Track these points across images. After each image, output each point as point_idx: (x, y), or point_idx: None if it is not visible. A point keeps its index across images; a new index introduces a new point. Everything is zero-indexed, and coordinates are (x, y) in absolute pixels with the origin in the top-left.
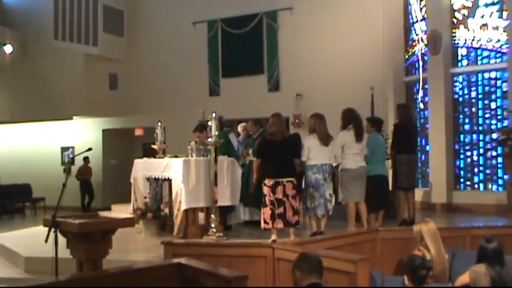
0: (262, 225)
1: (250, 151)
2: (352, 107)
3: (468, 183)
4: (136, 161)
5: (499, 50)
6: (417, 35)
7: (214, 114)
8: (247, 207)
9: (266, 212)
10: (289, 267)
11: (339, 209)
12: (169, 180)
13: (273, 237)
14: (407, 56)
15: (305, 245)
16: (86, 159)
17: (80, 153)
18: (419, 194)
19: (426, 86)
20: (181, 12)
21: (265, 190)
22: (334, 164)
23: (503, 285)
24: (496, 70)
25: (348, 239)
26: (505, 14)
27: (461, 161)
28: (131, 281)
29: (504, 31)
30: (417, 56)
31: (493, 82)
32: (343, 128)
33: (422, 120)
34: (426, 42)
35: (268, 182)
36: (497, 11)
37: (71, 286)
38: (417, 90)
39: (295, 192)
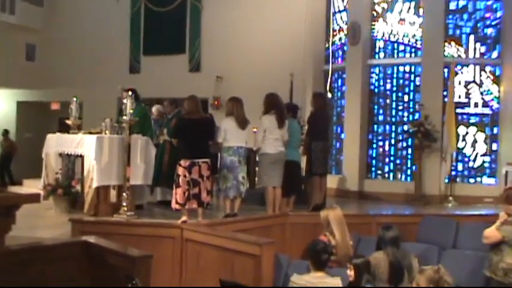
0: (174, 205)
1: (165, 131)
2: (274, 92)
3: (379, 172)
4: (49, 136)
5: (414, 45)
6: (338, 25)
7: (130, 93)
8: (161, 187)
9: (179, 193)
10: (198, 248)
11: (255, 193)
12: (82, 157)
13: (184, 218)
14: (327, 45)
15: (215, 227)
16: (6, 132)
17: None
18: (333, 180)
19: (344, 76)
20: None
21: (180, 170)
22: (254, 148)
23: (400, 268)
24: (411, 64)
25: (258, 223)
26: (421, 10)
27: (374, 151)
28: (34, 258)
29: (420, 27)
30: (337, 45)
31: (407, 76)
32: (265, 112)
33: (339, 109)
34: (346, 32)
35: (184, 162)
36: (414, 7)
37: None
38: (336, 79)
39: (209, 173)
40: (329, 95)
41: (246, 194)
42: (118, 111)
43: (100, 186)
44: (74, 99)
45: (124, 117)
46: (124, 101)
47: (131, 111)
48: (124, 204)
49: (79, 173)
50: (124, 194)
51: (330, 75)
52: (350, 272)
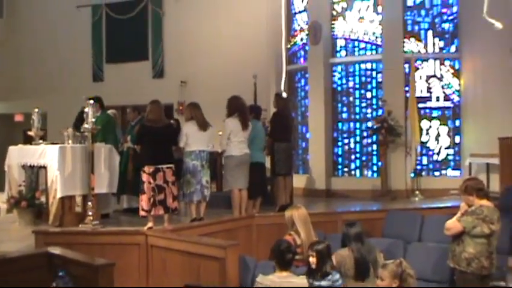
0: (140, 212)
1: (129, 138)
2: (237, 94)
3: (345, 169)
4: (11, 148)
5: (374, 42)
6: (299, 25)
7: (91, 101)
8: (126, 195)
9: (144, 199)
10: (163, 254)
11: (223, 196)
12: (45, 168)
13: (150, 224)
14: (289, 45)
15: (181, 232)
16: None
17: None
18: (301, 180)
19: (307, 75)
20: None
21: (145, 177)
22: (219, 151)
23: (365, 263)
24: (372, 61)
25: (224, 225)
26: (379, 8)
27: (339, 149)
28: None
29: (379, 24)
30: (299, 45)
31: (368, 73)
32: (228, 115)
33: (303, 109)
34: (307, 32)
35: (148, 168)
36: (372, 5)
37: None
38: (299, 79)
39: (174, 178)
40: (284, 94)
41: (213, 197)
42: (75, 120)
43: (65, 197)
44: (36, 109)
45: (86, 126)
46: (86, 109)
47: (94, 119)
48: (90, 213)
49: (42, 184)
50: (89, 203)
51: (284, 76)
52: (312, 259)
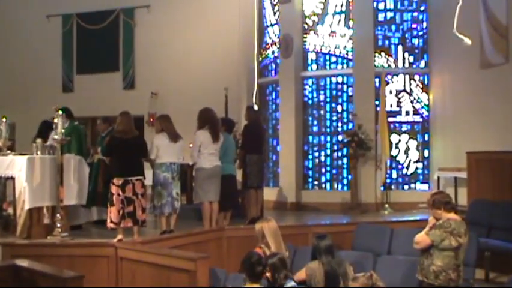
0: (108, 224)
1: (99, 149)
2: (208, 106)
3: (316, 182)
4: None
5: (345, 56)
6: (270, 38)
7: (60, 112)
8: (96, 207)
9: (113, 211)
10: (133, 266)
11: (194, 209)
12: (13, 179)
13: (119, 236)
14: (261, 58)
15: (151, 244)
16: None
17: None
18: (272, 193)
19: (278, 88)
20: (34, 4)
21: (114, 189)
22: (190, 163)
23: (335, 276)
24: (343, 75)
25: (194, 238)
26: (351, 22)
27: (310, 162)
28: None
29: (350, 39)
30: (271, 58)
31: (339, 86)
32: (199, 127)
33: (274, 122)
34: (278, 45)
35: (117, 180)
36: (344, 20)
37: None
38: (270, 92)
39: (143, 190)
40: (256, 107)
41: (183, 209)
42: (38, 132)
43: (33, 208)
44: (4, 119)
45: (56, 137)
46: (55, 120)
47: (63, 130)
48: (58, 225)
49: (10, 196)
50: (58, 215)
51: (255, 88)
52: (268, 274)
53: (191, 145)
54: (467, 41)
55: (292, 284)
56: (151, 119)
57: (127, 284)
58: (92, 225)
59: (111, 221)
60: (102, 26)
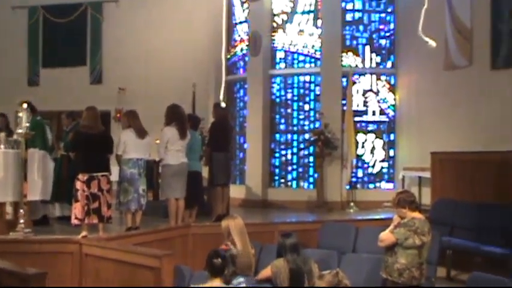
0: (73, 220)
1: (62, 145)
2: (176, 103)
3: (282, 180)
4: None
5: (313, 55)
6: (239, 35)
7: (25, 105)
8: (59, 203)
9: (78, 208)
10: (97, 263)
11: (160, 205)
12: None
13: (84, 233)
14: (229, 56)
15: (116, 240)
16: None
17: None
18: (238, 190)
19: (246, 86)
20: None
21: (79, 185)
22: (157, 159)
23: (300, 274)
24: (310, 74)
25: (160, 235)
26: (319, 22)
27: (276, 160)
28: None
29: (319, 38)
30: (239, 56)
31: (307, 85)
32: (167, 124)
33: (241, 119)
34: (247, 43)
35: (82, 176)
36: (312, 19)
37: None
38: (238, 89)
39: (109, 186)
40: (223, 104)
41: (149, 206)
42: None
43: None
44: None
45: (19, 131)
46: (20, 114)
47: (27, 124)
48: (21, 221)
49: None
50: (21, 210)
51: (223, 85)
52: None
53: (158, 141)
54: (432, 43)
55: (240, 280)
56: (118, 115)
57: (91, 280)
58: (55, 221)
59: (76, 217)
60: (69, 20)
